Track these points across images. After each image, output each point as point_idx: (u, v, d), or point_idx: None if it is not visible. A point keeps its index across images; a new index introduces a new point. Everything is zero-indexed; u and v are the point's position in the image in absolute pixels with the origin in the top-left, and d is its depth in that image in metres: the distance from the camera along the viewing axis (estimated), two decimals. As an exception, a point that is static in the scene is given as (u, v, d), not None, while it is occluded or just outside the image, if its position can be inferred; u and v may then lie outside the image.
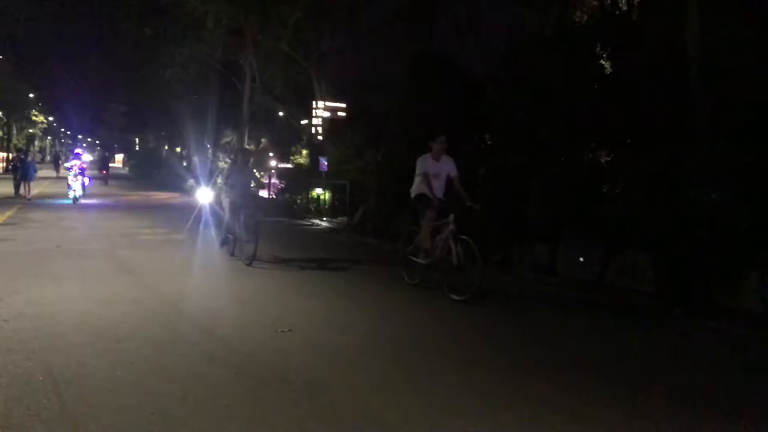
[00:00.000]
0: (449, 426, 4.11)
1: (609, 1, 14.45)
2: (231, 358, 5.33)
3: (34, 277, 8.44)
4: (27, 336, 5.66)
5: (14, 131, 57.88)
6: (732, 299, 8.04)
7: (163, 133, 50.20)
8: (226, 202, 10.77)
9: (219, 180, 25.62)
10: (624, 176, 10.54)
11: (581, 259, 10.07)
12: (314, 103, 29.40)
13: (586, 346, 6.31)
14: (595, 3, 15.02)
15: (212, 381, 4.75)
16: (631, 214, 9.41)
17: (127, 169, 63.71)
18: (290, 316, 6.89)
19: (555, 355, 5.88)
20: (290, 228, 16.98)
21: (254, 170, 12.06)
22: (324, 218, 18.67)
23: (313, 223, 18.14)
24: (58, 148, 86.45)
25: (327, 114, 29.13)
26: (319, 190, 20.39)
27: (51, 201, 22.10)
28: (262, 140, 35.74)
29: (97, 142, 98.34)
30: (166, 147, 52.17)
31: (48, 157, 67.85)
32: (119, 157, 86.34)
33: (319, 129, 29.71)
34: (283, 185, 24.59)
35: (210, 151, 34.50)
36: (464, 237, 7.97)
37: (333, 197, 19.43)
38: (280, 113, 34.13)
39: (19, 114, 58.24)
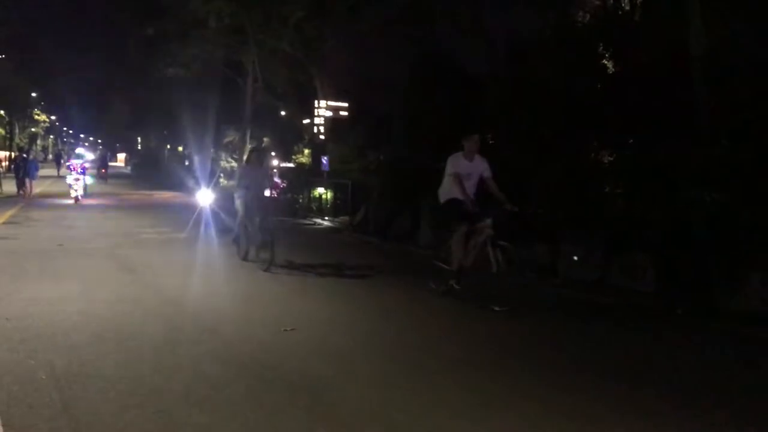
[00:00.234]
0: (451, 425, 4.11)
1: (611, 1, 14.44)
2: (233, 357, 5.34)
3: (36, 276, 8.47)
4: (29, 335, 5.68)
5: (17, 130, 57.92)
6: (734, 300, 8.02)
7: (165, 132, 50.18)
8: (239, 203, 10.37)
9: (223, 179, 25.67)
10: (626, 176, 10.53)
11: (575, 258, 10.03)
12: (316, 102, 29.38)
13: (588, 346, 6.31)
14: (597, 3, 15.01)
15: (214, 380, 4.76)
16: (633, 214, 9.40)
17: (129, 168, 63.75)
18: (293, 315, 6.90)
19: (557, 356, 5.88)
20: (292, 227, 16.98)
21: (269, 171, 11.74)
22: (326, 217, 18.67)
23: (315, 222, 18.15)
24: (60, 147, 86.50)
25: (329, 113, 29.12)
26: (321, 190, 20.39)
27: (53, 200, 22.12)
28: (265, 140, 35.73)
29: (99, 141, 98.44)
30: (168, 146, 52.18)
31: (50, 156, 67.91)
32: (121, 157, 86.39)
33: (321, 128, 29.70)
34: (285, 184, 24.60)
35: (212, 150, 34.53)
36: (503, 242, 7.50)
37: (335, 197, 19.43)
38: (282, 112, 34.14)
39: (21, 113, 58.30)
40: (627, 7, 14.24)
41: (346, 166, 20.20)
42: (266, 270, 9.36)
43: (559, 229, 10.63)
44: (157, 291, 8.02)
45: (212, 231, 12.70)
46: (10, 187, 24.42)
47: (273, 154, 35.27)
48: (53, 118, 76.52)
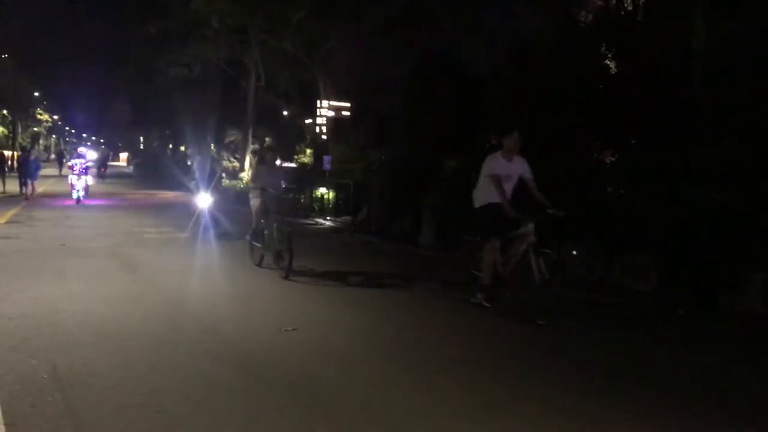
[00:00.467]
0: (451, 425, 4.12)
1: (614, 1, 14.43)
2: (234, 357, 5.35)
3: (38, 276, 8.48)
4: (31, 334, 5.69)
5: (19, 129, 58.02)
6: (735, 300, 8.02)
7: (167, 132, 50.23)
8: (254, 204, 9.82)
9: (225, 179, 25.65)
10: (627, 176, 10.52)
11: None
12: (318, 102, 29.39)
13: (590, 346, 6.31)
14: (599, 2, 15.00)
15: (215, 379, 4.77)
16: (634, 214, 9.40)
17: (131, 168, 63.81)
18: (294, 315, 6.91)
19: (558, 356, 5.88)
20: (294, 227, 16.97)
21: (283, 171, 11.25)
22: (328, 217, 18.68)
23: (316, 222, 18.16)
24: (63, 146, 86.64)
25: (331, 113, 29.12)
26: (323, 190, 20.40)
27: (55, 199, 22.14)
28: (267, 139, 35.76)
29: (102, 140, 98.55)
30: (171, 146, 52.23)
31: (52, 156, 68.03)
32: (123, 156, 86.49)
33: (323, 128, 29.70)
34: (286, 185, 24.58)
35: (214, 150, 34.53)
36: (547, 250, 6.98)
37: (337, 197, 19.44)
38: (285, 112, 34.16)
39: (24, 112, 58.40)
40: (629, 8, 14.23)
41: (348, 166, 20.21)
42: (285, 277, 8.78)
43: (561, 228, 10.62)
44: (158, 291, 8.03)
45: (215, 230, 12.68)
46: (12, 186, 24.46)
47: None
48: (56, 117, 76.61)
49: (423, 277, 9.79)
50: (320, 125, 30.41)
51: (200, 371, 4.95)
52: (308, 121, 33.00)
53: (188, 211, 12.84)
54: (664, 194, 9.30)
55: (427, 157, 15.42)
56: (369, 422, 4.12)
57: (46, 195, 24.13)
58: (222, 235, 12.42)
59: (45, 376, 4.67)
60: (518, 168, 7.48)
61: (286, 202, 10.44)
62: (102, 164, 39.26)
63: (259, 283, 8.77)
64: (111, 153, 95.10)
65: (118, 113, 65.60)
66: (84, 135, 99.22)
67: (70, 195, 21.49)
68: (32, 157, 24.03)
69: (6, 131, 53.27)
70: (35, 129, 67.70)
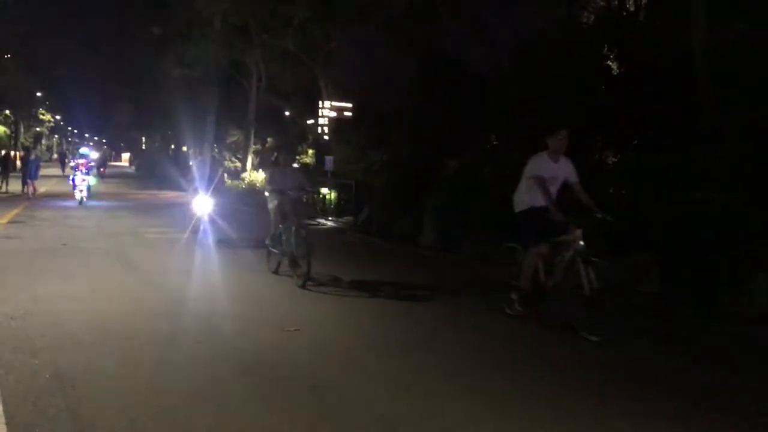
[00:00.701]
0: (455, 427, 4.11)
1: (616, 2, 14.43)
2: (237, 357, 5.34)
3: (40, 275, 8.48)
4: (33, 334, 5.69)
5: (22, 129, 58.10)
6: (739, 300, 8.00)
7: (169, 132, 50.27)
8: (272, 208, 9.41)
9: (227, 179, 25.62)
10: (629, 176, 10.51)
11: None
12: (320, 102, 29.43)
13: (593, 347, 6.28)
14: (602, 3, 15.00)
15: (218, 379, 4.77)
16: (636, 215, 9.38)
17: (133, 168, 63.90)
18: (297, 315, 6.91)
19: (562, 357, 5.85)
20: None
21: (298, 172, 10.17)
22: (329, 218, 18.67)
23: (318, 222, 18.15)
24: (65, 146, 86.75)
25: (333, 114, 29.18)
26: (324, 190, 20.40)
27: (57, 199, 22.16)
28: (269, 140, 35.80)
29: (104, 140, 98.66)
30: (173, 146, 52.27)
31: (54, 156, 68.12)
32: (125, 156, 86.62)
33: (325, 129, 29.72)
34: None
35: (216, 150, 34.57)
36: (596, 259, 6.39)
37: (338, 197, 19.43)
38: (287, 113, 34.19)
39: (26, 112, 58.48)
40: (632, 8, 14.23)
41: (350, 167, 20.21)
42: (302, 286, 8.29)
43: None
44: (160, 290, 8.04)
45: (217, 231, 12.13)
46: (15, 186, 24.49)
47: (276, 154, 35.37)
48: (58, 117, 76.69)
49: (425, 278, 9.78)
50: (322, 125, 30.47)
51: (202, 371, 4.95)
52: (310, 121, 33.04)
53: (190, 210, 12.60)
54: (665, 194, 9.28)
55: (429, 157, 15.42)
56: (373, 422, 4.11)
57: (48, 195, 24.16)
58: (222, 241, 11.86)
59: (47, 375, 4.67)
60: (564, 170, 6.94)
61: (303, 205, 9.76)
62: (101, 164, 39.57)
63: (260, 283, 8.77)
64: (113, 153, 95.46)
65: (120, 113, 65.59)
66: (86, 135, 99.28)
67: (72, 195, 21.51)
68: (32, 157, 24.06)
69: (8, 131, 53.34)
70: (38, 129, 67.78)
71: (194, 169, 12.43)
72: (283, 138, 33.93)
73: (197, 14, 26.09)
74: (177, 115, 37.07)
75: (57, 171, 40.75)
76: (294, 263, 8.78)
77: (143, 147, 70.64)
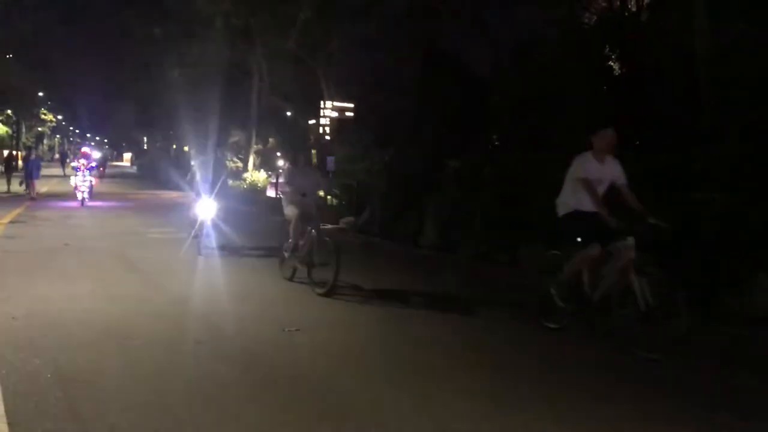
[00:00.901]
0: (455, 427, 4.11)
1: (618, 2, 14.43)
2: (238, 357, 5.35)
3: (42, 275, 8.49)
4: (35, 333, 5.70)
5: (23, 129, 58.14)
6: (741, 301, 7.99)
7: (170, 132, 50.30)
8: (290, 213, 8.71)
9: (229, 179, 25.58)
10: (630, 176, 10.48)
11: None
12: (322, 102, 29.41)
13: (597, 347, 6.28)
14: (603, 4, 15.00)
15: (220, 379, 4.78)
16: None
17: (134, 168, 63.93)
18: (298, 315, 6.91)
19: (565, 358, 5.85)
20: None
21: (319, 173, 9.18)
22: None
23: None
24: (66, 146, 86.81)
25: (335, 114, 29.14)
26: (325, 190, 20.38)
27: (58, 199, 22.17)
28: (270, 140, 35.82)
29: (105, 140, 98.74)
30: (174, 146, 52.31)
31: (56, 156, 68.17)
32: (127, 156, 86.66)
33: (327, 129, 29.72)
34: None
35: (218, 151, 34.55)
36: (652, 269, 5.88)
37: (340, 197, 19.43)
38: (288, 113, 34.19)
39: (28, 112, 58.50)
40: (633, 9, 14.23)
41: (352, 167, 20.20)
42: (326, 294, 7.80)
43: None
44: (162, 290, 8.04)
45: (219, 231, 11.36)
46: (17, 186, 24.51)
47: (278, 154, 35.38)
48: (59, 117, 76.73)
49: (426, 279, 9.78)
50: (323, 126, 30.44)
51: (205, 370, 4.95)
52: (312, 121, 33.02)
53: (191, 216, 12.05)
54: (665, 194, 9.27)
55: (430, 157, 15.42)
56: (374, 421, 4.11)
57: (49, 195, 24.17)
58: (225, 247, 11.20)
59: (49, 375, 4.68)
60: (611, 172, 6.46)
61: (326, 208, 8.91)
62: (101, 164, 39.64)
63: (263, 282, 8.77)
64: (114, 153, 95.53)
65: (121, 113, 65.63)
66: (88, 135, 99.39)
67: (73, 195, 21.51)
68: (32, 157, 24.07)
69: (9, 131, 53.38)
70: (39, 129, 67.83)
71: (196, 169, 11.38)
72: (284, 138, 33.96)
73: (198, 14, 26.10)
74: (178, 115, 37.12)
75: (58, 171, 40.73)
76: (313, 270, 8.23)
77: (145, 147, 70.69)
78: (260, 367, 5.14)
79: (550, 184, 8.02)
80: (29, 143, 51.56)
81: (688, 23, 10.42)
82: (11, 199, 22.00)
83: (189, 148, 43.89)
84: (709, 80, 9.96)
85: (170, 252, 11.21)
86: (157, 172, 42.63)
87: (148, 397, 4.36)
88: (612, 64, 13.66)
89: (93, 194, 21.84)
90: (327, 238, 8.20)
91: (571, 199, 6.48)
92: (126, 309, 6.82)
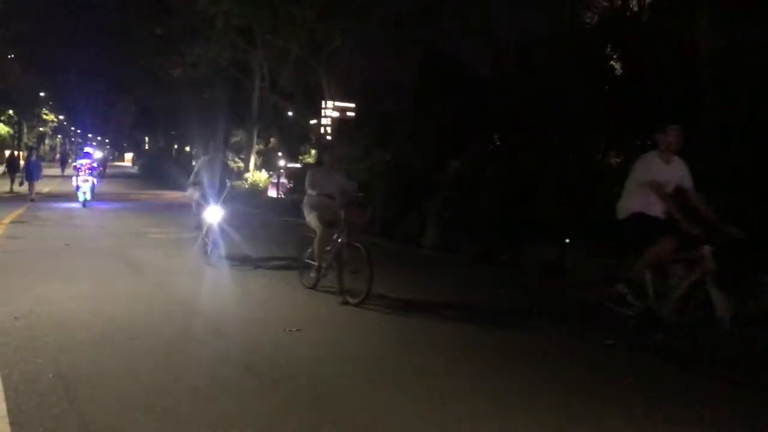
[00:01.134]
0: (457, 427, 4.11)
1: (619, 2, 14.43)
2: (240, 357, 5.35)
3: (44, 275, 8.49)
4: (37, 333, 5.70)
5: (25, 129, 58.24)
6: (744, 301, 7.98)
7: (172, 132, 50.36)
8: (313, 220, 8.06)
9: (235, 181, 25.58)
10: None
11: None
12: (323, 102, 29.44)
13: (602, 349, 6.26)
14: (605, 4, 15.00)
15: (221, 379, 4.77)
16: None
17: (136, 168, 63.97)
18: (299, 315, 6.90)
19: (568, 358, 5.83)
20: (298, 227, 16.96)
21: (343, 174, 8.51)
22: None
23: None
24: (67, 146, 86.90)
25: (336, 114, 29.20)
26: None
27: (59, 200, 22.19)
28: (272, 140, 35.83)
29: (107, 140, 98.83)
30: (176, 146, 52.37)
31: (57, 155, 68.21)
32: (128, 156, 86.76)
33: (328, 129, 29.75)
34: (291, 185, 24.65)
35: (224, 151, 34.60)
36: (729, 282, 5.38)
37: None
38: (290, 113, 34.21)
39: (29, 112, 58.59)
40: (635, 9, 14.23)
41: (353, 167, 20.19)
42: (358, 305, 7.28)
43: (567, 230, 10.61)
44: (164, 291, 8.04)
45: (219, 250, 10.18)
46: (19, 186, 24.54)
47: (280, 154, 35.43)
48: (61, 117, 76.81)
49: (428, 279, 9.78)
50: (325, 126, 30.48)
51: (207, 371, 4.95)
52: (313, 121, 33.06)
53: (193, 213, 11.71)
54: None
55: (432, 157, 15.43)
56: (375, 421, 4.11)
57: (50, 195, 24.19)
58: (233, 258, 10.27)
59: (50, 375, 4.68)
60: (677, 173, 5.92)
61: (357, 212, 8.04)
62: (102, 164, 39.69)
63: (264, 283, 8.77)
64: (116, 153, 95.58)
65: (123, 113, 65.70)
66: (89, 135, 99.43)
67: (74, 196, 21.50)
68: (33, 158, 24.09)
69: (11, 131, 53.46)
70: (41, 129, 67.92)
71: (200, 170, 10.12)
72: (286, 138, 33.98)
73: (200, 15, 26.10)
74: (180, 116, 37.17)
75: (58, 171, 40.73)
76: (344, 280, 7.66)
77: (146, 147, 70.77)
78: (261, 367, 5.13)
79: (550, 183, 8.04)
80: (31, 143, 51.61)
81: (690, 23, 10.41)
82: (13, 199, 22.02)
83: (190, 148, 43.97)
84: (710, 80, 9.95)
85: (172, 252, 11.21)
86: (159, 172, 42.71)
87: (150, 397, 4.36)
88: (613, 63, 13.66)
89: (94, 195, 21.83)
90: (358, 244, 7.55)
91: (635, 202, 6.01)
92: (127, 309, 6.82)
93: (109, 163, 57.78)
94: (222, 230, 9.98)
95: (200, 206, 10.03)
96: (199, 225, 10.18)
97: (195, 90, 34.22)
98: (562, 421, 4.22)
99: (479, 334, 6.62)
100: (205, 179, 9.97)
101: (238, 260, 10.11)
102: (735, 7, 10.74)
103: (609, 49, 13.49)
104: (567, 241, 10.28)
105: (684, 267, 5.62)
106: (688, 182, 5.97)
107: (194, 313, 6.93)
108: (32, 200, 21.28)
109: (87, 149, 26.58)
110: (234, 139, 38.32)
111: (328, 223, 7.92)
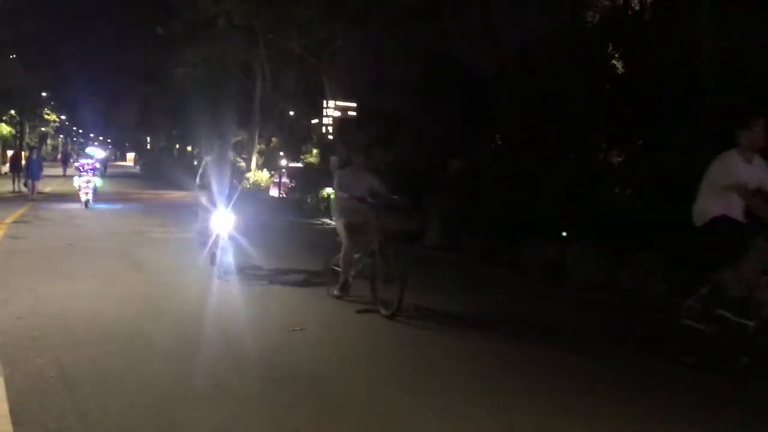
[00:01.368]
0: (458, 427, 4.11)
1: (621, 1, 14.42)
2: (242, 357, 5.36)
3: (46, 275, 8.51)
4: (39, 333, 5.71)
5: (27, 129, 58.25)
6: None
7: (174, 132, 50.41)
8: (342, 226, 7.65)
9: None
10: (635, 176, 10.49)
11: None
12: (325, 102, 29.45)
13: (603, 348, 6.27)
14: (607, 3, 14.99)
15: (222, 379, 4.78)
16: (644, 215, 9.36)
17: (138, 167, 64.01)
18: (301, 315, 6.91)
19: (570, 358, 5.82)
20: (300, 227, 17.02)
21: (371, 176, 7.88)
22: (333, 218, 18.68)
23: (323, 222, 18.16)
24: (69, 146, 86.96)
25: (337, 113, 29.21)
26: (329, 190, 20.40)
27: (61, 199, 22.20)
28: (273, 139, 35.84)
29: (109, 140, 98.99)
30: (177, 146, 52.44)
31: (59, 155, 68.27)
32: (130, 156, 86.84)
33: (330, 128, 29.76)
34: (293, 184, 24.69)
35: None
36: None
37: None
38: (291, 112, 34.22)
39: (31, 112, 58.61)
40: (637, 8, 14.22)
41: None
42: (391, 316, 6.80)
43: (568, 229, 10.62)
44: (166, 291, 8.04)
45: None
46: (22, 186, 24.58)
47: (281, 153, 35.42)
48: (63, 117, 76.90)
49: (430, 278, 9.78)
50: (326, 125, 30.49)
51: (208, 370, 4.96)
52: (314, 121, 33.05)
53: (195, 212, 11.38)
54: (669, 194, 9.27)
55: (433, 157, 15.44)
56: (376, 421, 4.12)
57: (52, 195, 24.21)
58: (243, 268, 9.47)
59: (52, 375, 4.69)
60: (760, 173, 5.35)
61: (389, 217, 7.64)
62: (103, 165, 39.73)
63: (265, 283, 8.77)
64: (117, 153, 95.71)
65: (125, 113, 65.93)
66: (91, 135, 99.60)
67: (76, 196, 21.48)
68: (34, 157, 24.12)
69: (13, 131, 53.48)
70: (43, 129, 67.95)
71: (205, 171, 9.04)
72: (287, 137, 33.97)
73: (202, 14, 26.13)
74: (182, 115, 37.18)
75: (59, 171, 40.70)
76: (380, 289, 7.13)
77: (148, 147, 70.84)
78: (263, 366, 5.13)
79: (554, 183, 8.03)
80: (33, 143, 51.66)
81: (692, 23, 10.40)
82: (16, 198, 22.06)
83: (192, 148, 43.98)
84: (712, 80, 9.94)
85: (175, 252, 11.23)
86: (161, 172, 42.74)
87: (152, 396, 4.36)
88: (615, 63, 13.64)
89: (96, 193, 21.82)
90: (390, 251, 7.12)
91: (714, 206, 5.47)
92: (130, 309, 6.83)
93: (111, 163, 57.77)
94: (232, 239, 8.99)
95: (207, 211, 9.02)
96: (203, 232, 9.22)
97: (196, 90, 34.23)
98: None
99: (481, 335, 6.61)
100: (213, 181, 8.97)
101: (249, 269, 9.54)
102: (735, 7, 10.74)
103: (610, 48, 13.47)
104: (564, 234, 10.27)
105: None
106: None
107: (197, 312, 6.93)
108: (33, 200, 21.29)
109: (88, 149, 26.58)
110: (236, 139, 38.31)
111: (357, 229, 7.47)
